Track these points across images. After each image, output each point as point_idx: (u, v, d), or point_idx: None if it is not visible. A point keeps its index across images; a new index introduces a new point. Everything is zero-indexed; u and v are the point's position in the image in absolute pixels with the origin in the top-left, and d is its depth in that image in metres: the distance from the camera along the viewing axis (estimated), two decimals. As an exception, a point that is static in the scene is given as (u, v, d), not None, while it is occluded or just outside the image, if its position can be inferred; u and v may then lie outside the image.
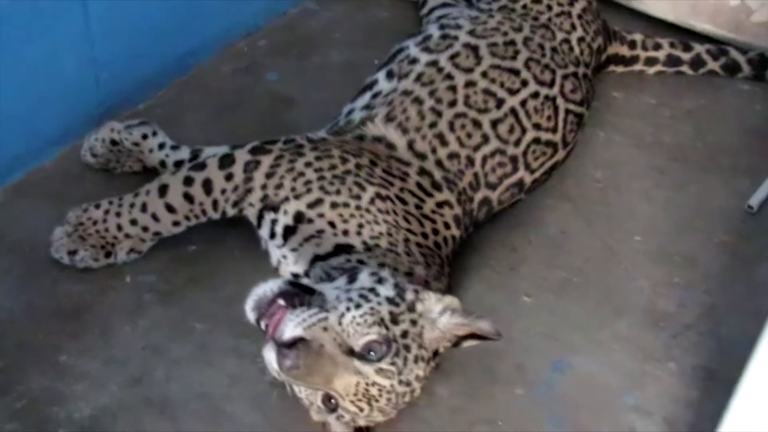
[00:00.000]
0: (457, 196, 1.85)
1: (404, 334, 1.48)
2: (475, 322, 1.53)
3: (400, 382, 1.47)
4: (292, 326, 1.43)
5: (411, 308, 1.52)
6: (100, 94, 2.09)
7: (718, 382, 1.72)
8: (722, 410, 1.64)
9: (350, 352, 1.45)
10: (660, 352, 1.79)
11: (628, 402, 1.71)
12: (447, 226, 1.81)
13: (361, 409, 1.48)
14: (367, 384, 1.45)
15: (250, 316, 1.49)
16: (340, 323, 1.45)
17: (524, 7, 2.18)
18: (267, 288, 1.49)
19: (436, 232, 1.78)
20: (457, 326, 1.54)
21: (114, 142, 1.98)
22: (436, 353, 1.56)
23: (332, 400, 1.48)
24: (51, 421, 1.60)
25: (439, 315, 1.54)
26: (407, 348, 1.48)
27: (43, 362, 1.68)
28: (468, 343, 1.57)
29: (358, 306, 1.47)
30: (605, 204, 2.07)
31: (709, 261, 1.96)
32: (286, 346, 1.41)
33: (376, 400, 1.47)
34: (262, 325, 1.47)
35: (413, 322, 1.51)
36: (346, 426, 1.56)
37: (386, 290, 1.52)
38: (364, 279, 1.55)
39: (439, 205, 1.82)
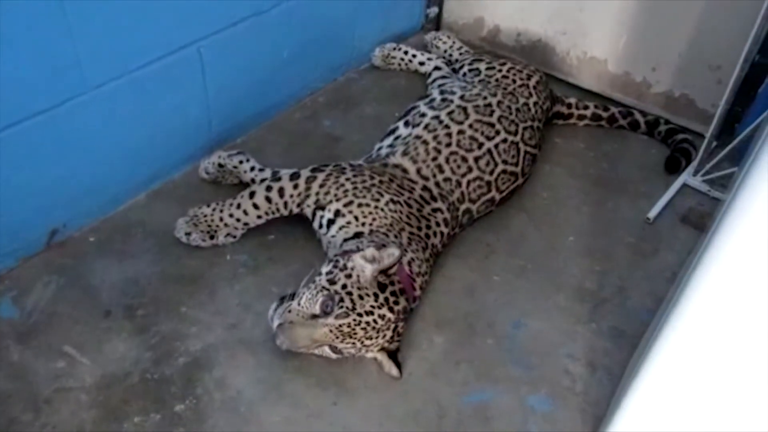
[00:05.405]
0: (447, 206, 1.79)
1: (343, 287, 1.44)
2: (382, 261, 1.46)
3: (360, 314, 1.42)
4: (274, 320, 1.46)
5: (343, 268, 1.47)
6: (212, 132, 2.03)
7: (625, 339, 1.67)
8: (628, 358, 1.60)
9: (314, 317, 1.42)
10: (585, 317, 1.73)
11: (563, 351, 1.65)
12: (438, 224, 1.75)
13: (352, 344, 1.45)
14: (336, 328, 1.41)
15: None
16: (299, 304, 1.44)
17: (497, 80, 2.10)
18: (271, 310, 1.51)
19: (429, 227, 1.72)
20: (375, 269, 1.47)
21: (221, 165, 1.93)
22: (382, 286, 1.47)
23: (334, 347, 1.46)
24: (174, 352, 1.56)
25: (366, 263, 1.47)
26: (349, 293, 1.44)
27: (170, 311, 1.64)
28: (392, 270, 1.49)
29: (309, 289, 1.46)
30: (549, 215, 1.99)
31: (619, 255, 1.89)
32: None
33: (355, 333, 1.43)
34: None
35: (348, 276, 1.46)
36: (383, 355, 1.53)
37: (325, 267, 1.51)
38: (323, 267, 1.53)
39: (434, 210, 1.76)
